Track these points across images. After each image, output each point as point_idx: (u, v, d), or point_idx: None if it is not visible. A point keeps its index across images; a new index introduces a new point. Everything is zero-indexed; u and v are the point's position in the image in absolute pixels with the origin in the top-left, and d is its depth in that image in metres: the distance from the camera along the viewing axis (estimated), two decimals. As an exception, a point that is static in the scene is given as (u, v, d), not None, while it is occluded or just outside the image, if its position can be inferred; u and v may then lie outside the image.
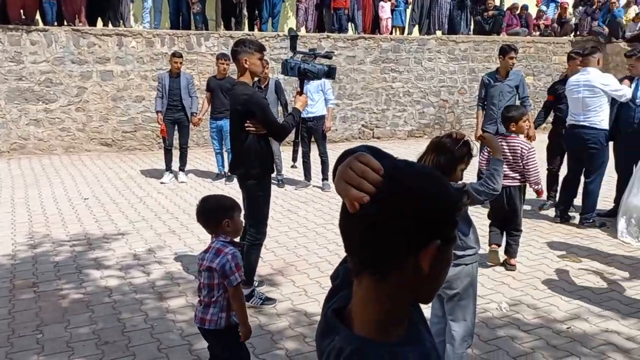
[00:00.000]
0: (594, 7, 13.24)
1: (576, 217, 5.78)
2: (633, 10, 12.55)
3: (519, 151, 4.36)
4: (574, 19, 13.63)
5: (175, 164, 7.68)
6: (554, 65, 13.14)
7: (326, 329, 0.97)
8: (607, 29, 12.56)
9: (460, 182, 2.71)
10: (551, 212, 6.10)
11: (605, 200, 6.02)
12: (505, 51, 6.00)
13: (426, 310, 3.31)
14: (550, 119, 6.62)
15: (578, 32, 13.43)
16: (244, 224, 2.71)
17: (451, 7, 12.68)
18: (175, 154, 7.66)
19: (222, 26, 11.27)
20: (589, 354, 3.14)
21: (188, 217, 5.94)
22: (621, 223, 5.18)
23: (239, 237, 2.88)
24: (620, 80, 5.60)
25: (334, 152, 10.41)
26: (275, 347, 3.28)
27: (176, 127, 7.56)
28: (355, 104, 12.13)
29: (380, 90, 12.23)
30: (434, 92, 12.70)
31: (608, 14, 12.59)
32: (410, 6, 12.82)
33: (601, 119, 5.34)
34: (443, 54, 12.61)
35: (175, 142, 7.69)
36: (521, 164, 4.37)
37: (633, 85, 5.43)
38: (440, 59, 12.63)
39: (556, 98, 5.99)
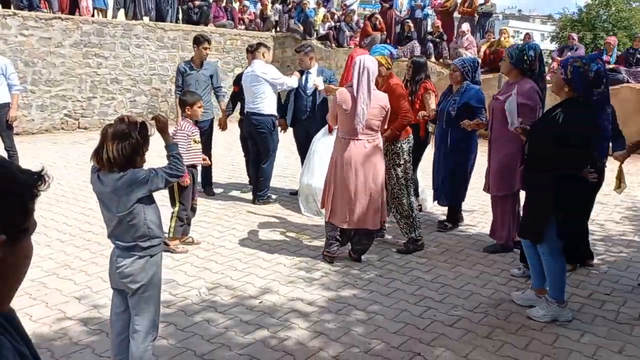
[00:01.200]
0: (290, 6, 14.55)
1: (273, 197, 6.31)
2: (321, 12, 14.21)
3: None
4: (274, 16, 14.75)
5: None
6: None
7: None
8: (302, 27, 13.95)
9: (145, 166, 2.65)
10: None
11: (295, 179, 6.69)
12: (199, 41, 6.17)
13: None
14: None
15: (278, 29, 14.60)
16: None
17: (158, -6, 12.44)
18: None
19: None
20: (276, 324, 3.41)
21: None
22: (301, 200, 5.87)
23: None
24: (294, 72, 6.31)
25: (32, 145, 9.25)
26: None
27: None
28: (55, 91, 10.97)
29: (84, 76, 11.31)
30: (144, 80, 12.30)
31: (302, 13, 13.98)
32: (113, -12, 12.13)
33: (265, 105, 5.96)
34: (152, 41, 12.30)
35: None
36: None
37: (303, 77, 6.13)
38: (149, 46, 12.28)
39: (240, 89, 6.36)
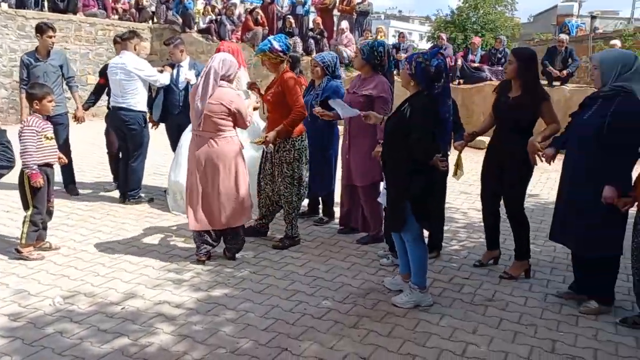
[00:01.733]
0: (167, -3, 14.01)
1: (145, 196, 6.02)
2: (200, 4, 13.83)
3: None
4: (150, 7, 14.11)
5: None
6: (136, 50, 13.36)
7: None
8: (181, 19, 13.48)
9: None
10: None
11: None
12: (42, 29, 5.79)
13: None
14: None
15: (155, 20, 13.98)
16: None
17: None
18: None
19: None
20: (138, 330, 3.22)
21: None
22: (169, 198, 5.66)
23: None
24: (164, 66, 6.05)
25: None
26: None
27: None
28: None
29: None
30: (4, 72, 11.27)
31: (180, 4, 13.51)
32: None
33: (137, 101, 5.71)
34: (11, 30, 11.27)
35: None
36: None
37: (174, 70, 5.90)
38: (8, 35, 11.24)
39: (106, 81, 6.00)
